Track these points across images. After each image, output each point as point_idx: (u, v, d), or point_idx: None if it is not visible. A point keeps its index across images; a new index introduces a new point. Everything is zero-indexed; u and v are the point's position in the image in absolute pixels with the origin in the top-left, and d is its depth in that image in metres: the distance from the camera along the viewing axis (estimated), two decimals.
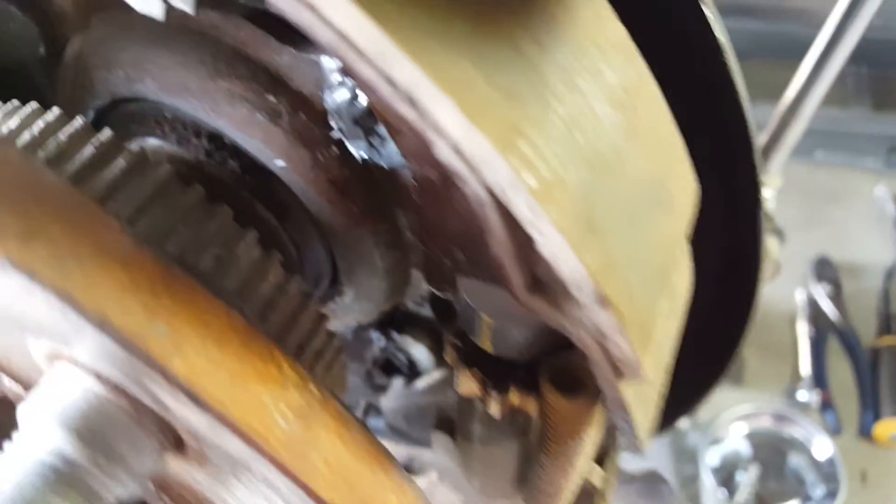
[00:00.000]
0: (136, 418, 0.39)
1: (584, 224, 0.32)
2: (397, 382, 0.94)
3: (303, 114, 0.61)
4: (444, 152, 0.30)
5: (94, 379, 0.39)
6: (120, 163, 0.53)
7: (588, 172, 0.33)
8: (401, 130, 0.40)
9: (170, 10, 0.39)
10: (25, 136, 0.53)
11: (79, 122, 0.55)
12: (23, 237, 0.34)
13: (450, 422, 0.72)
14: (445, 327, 0.81)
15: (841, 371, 2.30)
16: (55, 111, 0.57)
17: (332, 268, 0.74)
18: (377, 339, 0.85)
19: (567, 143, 0.33)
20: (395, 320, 0.83)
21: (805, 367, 2.24)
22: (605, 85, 0.36)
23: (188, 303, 0.33)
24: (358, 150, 0.60)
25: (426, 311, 0.80)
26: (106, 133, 0.55)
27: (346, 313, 0.79)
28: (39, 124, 0.55)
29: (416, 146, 0.40)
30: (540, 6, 0.33)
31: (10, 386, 0.56)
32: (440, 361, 0.83)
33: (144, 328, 0.32)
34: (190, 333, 0.33)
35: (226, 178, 0.66)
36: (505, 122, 0.30)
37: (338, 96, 0.56)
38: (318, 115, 0.61)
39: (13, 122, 0.56)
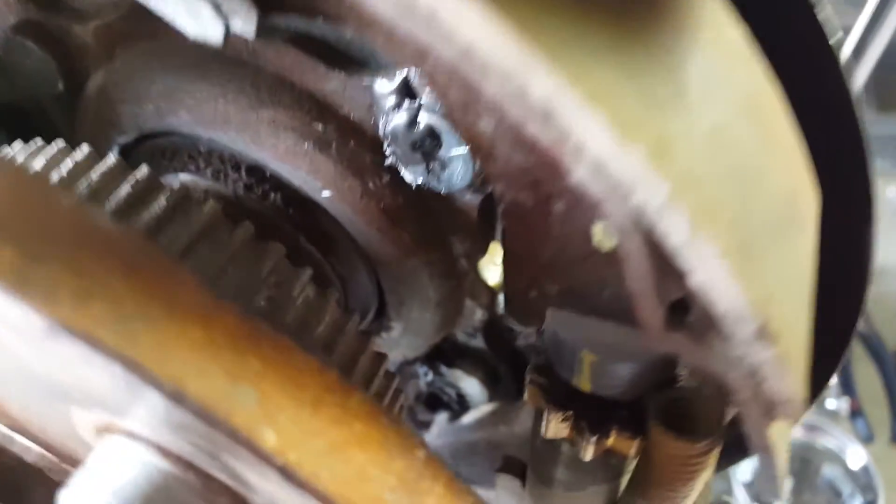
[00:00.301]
0: (206, 497, 0.35)
1: (741, 250, 0.28)
2: (441, 418, 0.89)
3: (353, 141, 0.56)
4: (581, 174, 0.25)
5: (155, 452, 0.35)
6: (161, 202, 0.49)
7: (736, 191, 0.29)
8: (491, 153, 0.36)
9: (228, 35, 0.34)
10: (54, 178, 0.49)
11: (112, 159, 0.51)
12: (79, 296, 0.29)
13: (516, 463, 0.67)
14: (500, 357, 0.76)
15: (868, 377, 2.25)
16: (85, 149, 0.52)
17: (378, 301, 0.69)
18: (424, 374, 0.80)
19: (714, 158, 0.28)
20: (443, 353, 0.78)
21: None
22: (735, 93, 0.32)
23: (278, 362, 0.29)
24: (414, 176, 0.55)
25: (478, 342, 0.75)
26: (143, 171, 0.51)
27: (393, 348, 0.74)
28: (68, 163, 0.50)
29: (510, 169, 0.36)
30: (666, 10, 0.29)
31: (35, 448, 0.51)
32: (493, 394, 0.79)
33: (228, 395, 0.27)
34: (282, 399, 0.28)
35: (267, 213, 0.61)
36: (656, 137, 0.26)
37: (394, 120, 0.52)
38: (369, 142, 0.57)
39: (39, 162, 0.51)
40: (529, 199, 0.37)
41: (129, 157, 0.67)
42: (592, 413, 0.46)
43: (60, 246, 0.31)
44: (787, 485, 2.10)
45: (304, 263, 0.55)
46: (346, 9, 0.31)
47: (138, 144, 0.66)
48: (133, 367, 0.26)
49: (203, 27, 0.34)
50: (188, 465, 0.33)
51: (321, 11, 0.34)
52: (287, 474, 0.28)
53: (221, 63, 0.57)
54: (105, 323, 0.28)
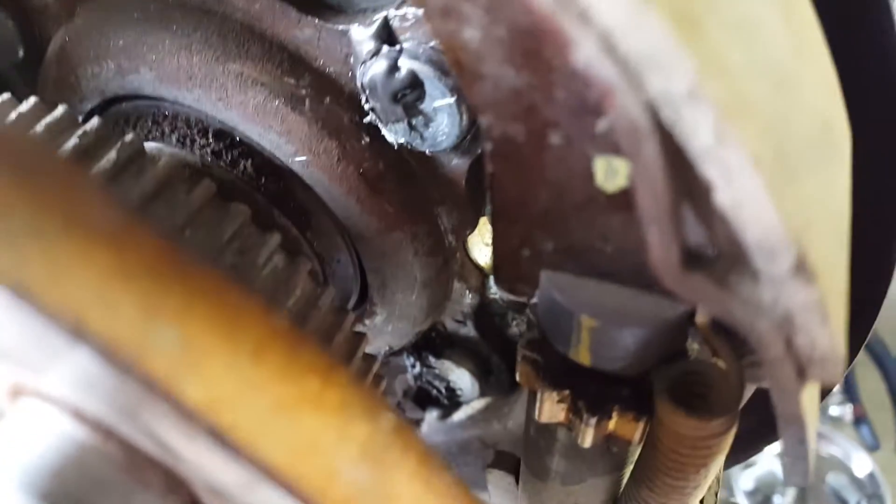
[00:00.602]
0: (131, 472, 0.29)
1: (778, 163, 0.23)
2: (431, 416, 0.83)
3: (329, 97, 0.51)
4: (587, 52, 0.20)
5: (71, 418, 0.29)
6: (111, 156, 0.44)
7: (772, 91, 0.24)
8: (478, 73, 0.31)
9: None
10: None
11: (60, 110, 0.45)
12: None
13: (508, 458, 0.61)
14: (493, 346, 0.71)
15: (872, 383, 2.19)
16: (31, 101, 0.47)
17: (361, 283, 0.64)
18: (411, 366, 0.74)
19: (748, 47, 0.23)
20: (431, 343, 0.72)
21: None
22: None
23: (210, 298, 0.23)
24: (395, 136, 0.50)
25: (468, 330, 0.69)
26: (93, 123, 0.45)
27: (377, 336, 0.69)
28: (11, 116, 0.45)
29: (499, 92, 0.30)
30: None
31: None
32: (485, 388, 0.73)
33: (142, 334, 0.22)
34: (212, 342, 0.23)
35: (237, 182, 0.56)
36: (681, 8, 0.20)
37: (373, 69, 0.47)
38: (347, 99, 0.52)
39: None
40: (521, 131, 0.32)
41: None
42: (592, 391, 0.41)
43: None
44: (791, 494, 2.04)
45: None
46: None
47: (102, 112, 0.61)
48: (21, 291, 0.20)
49: None
50: (108, 434, 0.28)
51: None
52: (218, 437, 0.23)
53: (185, 12, 0.52)
54: None
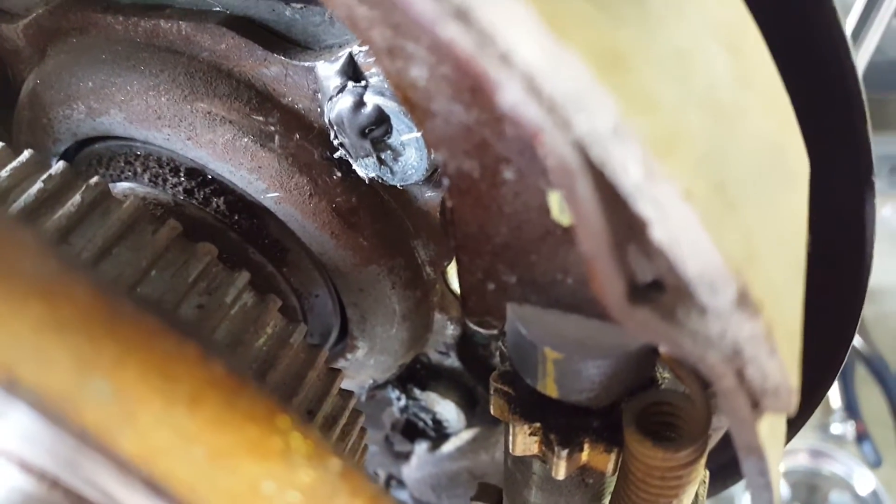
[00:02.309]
0: None
1: (715, 195, 0.23)
2: (420, 448, 0.82)
3: (298, 134, 0.51)
4: (512, 95, 0.20)
5: (17, 469, 0.29)
6: (76, 199, 0.44)
7: (709, 122, 0.24)
8: (428, 111, 0.30)
9: None
10: None
11: (26, 155, 0.46)
12: None
13: (492, 490, 0.60)
14: (477, 376, 0.70)
15: (873, 400, 2.17)
16: None
17: (340, 318, 0.64)
18: (396, 399, 0.73)
19: (681, 81, 0.23)
20: (415, 375, 0.72)
21: (835, 398, 2.12)
22: (710, 18, 0.26)
23: (143, 348, 0.23)
24: (365, 170, 0.50)
25: (452, 361, 0.69)
26: (59, 167, 0.45)
27: (360, 371, 0.68)
28: None
29: (450, 129, 0.30)
30: None
31: None
32: (471, 419, 0.72)
33: (74, 386, 0.21)
34: (146, 393, 0.22)
35: (210, 220, 0.56)
36: (604, 43, 0.20)
37: (339, 105, 0.47)
38: (317, 134, 0.52)
39: None
40: (476, 166, 0.32)
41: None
42: (562, 423, 0.40)
43: None
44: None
45: (251, 276, 0.49)
46: None
47: (76, 153, 0.61)
48: None
49: None
50: (53, 483, 0.27)
51: None
52: (154, 488, 0.22)
53: (152, 53, 0.52)
54: None
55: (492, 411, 0.44)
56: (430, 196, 0.54)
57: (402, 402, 0.73)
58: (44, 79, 0.57)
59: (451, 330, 0.66)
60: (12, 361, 0.20)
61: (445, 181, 0.34)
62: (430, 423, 0.74)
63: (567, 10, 0.20)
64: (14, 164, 0.45)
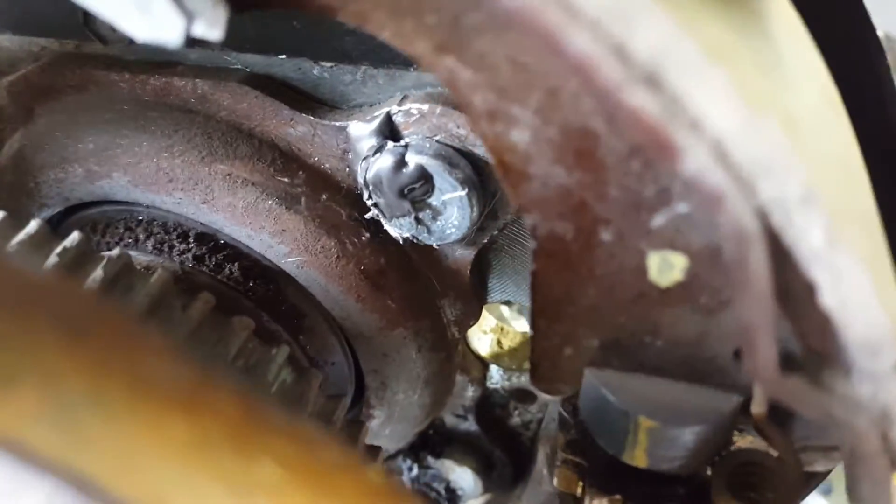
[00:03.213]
0: None
1: (877, 259, 0.22)
2: None
3: (325, 194, 0.49)
4: (697, 161, 0.19)
5: None
6: (97, 274, 0.40)
7: (845, 185, 0.23)
8: (524, 173, 0.29)
9: (187, 36, 0.27)
10: None
11: (34, 225, 0.41)
12: None
13: None
14: (494, 439, 0.67)
15: None
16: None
17: (356, 385, 0.60)
18: (407, 470, 0.70)
19: (823, 144, 0.22)
20: (428, 442, 0.68)
21: None
22: (813, 72, 0.26)
23: (303, 463, 0.19)
24: (400, 230, 0.48)
25: (469, 425, 0.66)
26: (74, 238, 0.41)
27: (373, 441, 0.64)
28: None
29: (548, 191, 0.29)
30: None
31: None
32: (488, 485, 0.69)
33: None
34: None
35: (222, 288, 0.52)
36: (784, 111, 0.19)
37: (377, 165, 0.45)
38: (344, 195, 0.49)
39: None
40: (570, 229, 0.30)
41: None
42: (645, 493, 0.38)
43: None
44: None
45: (271, 343, 0.46)
46: None
47: (62, 219, 0.57)
48: (83, 486, 0.16)
49: (156, 26, 0.26)
50: None
51: (305, 4, 0.27)
52: None
53: (164, 112, 0.49)
54: (37, 417, 0.18)
55: (556, 484, 0.42)
56: (461, 254, 0.52)
57: (414, 471, 0.69)
58: (33, 140, 0.53)
59: (471, 392, 0.63)
60: (163, 495, 0.17)
61: (533, 244, 0.32)
62: (443, 492, 0.70)
63: (752, 77, 0.19)
64: (21, 236, 0.41)
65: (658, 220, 0.28)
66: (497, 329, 0.64)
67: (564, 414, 0.42)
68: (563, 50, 0.21)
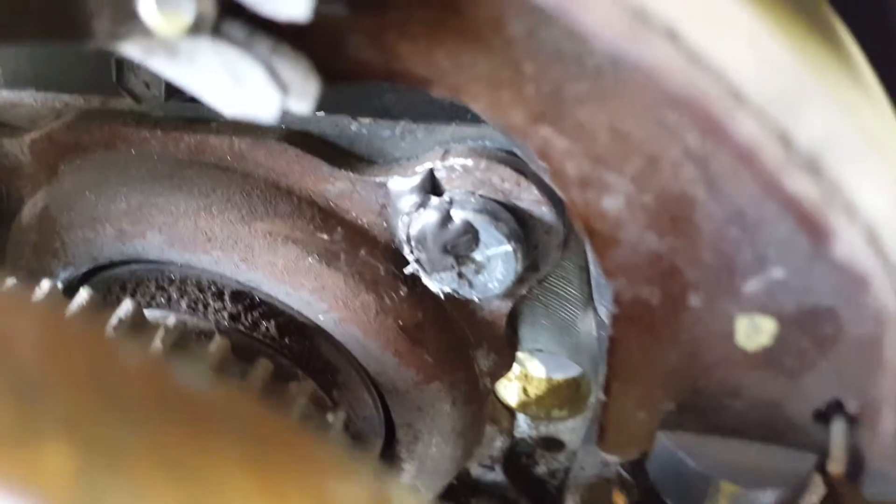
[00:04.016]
0: None
1: None
2: None
3: (364, 250, 0.48)
4: (849, 244, 0.19)
5: None
6: (156, 346, 0.38)
7: None
8: (614, 239, 0.29)
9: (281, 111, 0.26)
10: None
11: (128, 305, 0.40)
12: None
13: None
14: (521, 489, 0.66)
15: None
16: (84, 296, 0.42)
17: (386, 439, 0.59)
18: None
19: None
20: (453, 493, 0.67)
21: None
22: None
23: None
24: (440, 284, 0.47)
25: (495, 475, 0.65)
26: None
27: None
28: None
29: (637, 257, 0.29)
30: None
31: None
32: None
33: None
34: None
35: (257, 346, 0.51)
36: None
37: (420, 220, 0.45)
38: (382, 249, 0.49)
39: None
40: (657, 294, 0.30)
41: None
42: None
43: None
44: None
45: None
46: (446, 65, 0.24)
47: (85, 278, 0.55)
48: None
49: (252, 101, 0.26)
50: None
51: (401, 78, 0.27)
52: None
53: (200, 171, 0.48)
54: None
55: None
56: (497, 306, 0.52)
57: None
58: (59, 199, 0.51)
59: (500, 442, 0.62)
60: None
61: (615, 309, 0.32)
62: None
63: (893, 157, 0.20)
64: (119, 316, 0.40)
65: (751, 286, 0.29)
66: (521, 376, 0.64)
67: (625, 475, 0.42)
68: (728, 136, 0.21)
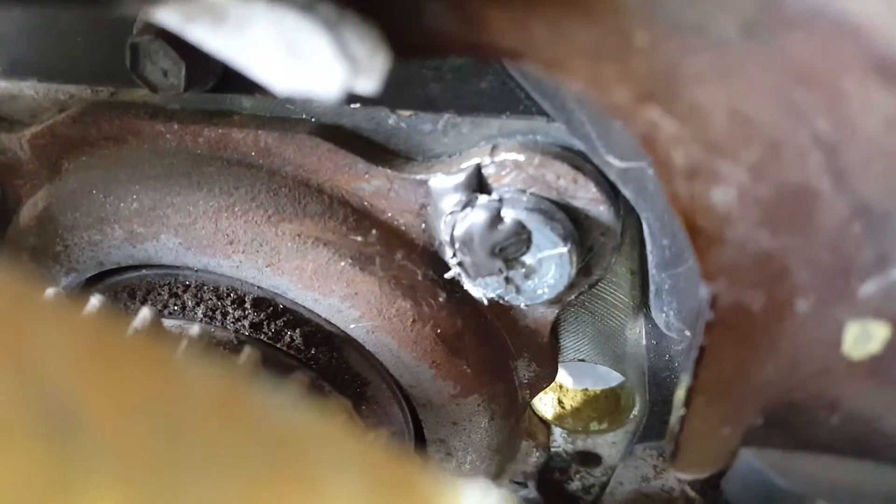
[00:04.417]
0: None
1: None
2: None
3: (400, 253, 0.44)
4: None
5: None
6: (241, 364, 0.35)
7: None
8: (718, 237, 0.25)
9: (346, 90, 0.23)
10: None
11: (196, 329, 0.37)
12: None
13: None
14: None
15: None
16: (146, 315, 0.38)
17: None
18: None
19: None
20: None
21: None
22: None
23: None
24: (485, 290, 0.44)
25: (528, 492, 0.61)
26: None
27: None
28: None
29: (743, 257, 0.25)
30: None
31: None
32: None
33: None
34: None
35: (281, 357, 0.47)
36: None
37: (467, 220, 0.41)
38: (420, 253, 0.45)
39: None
40: (760, 298, 0.27)
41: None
42: None
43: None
44: None
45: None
46: (537, 38, 0.21)
47: (89, 284, 0.51)
48: None
49: (310, 75, 0.22)
50: None
51: (485, 51, 0.24)
52: None
53: (221, 167, 0.44)
54: None
55: None
56: (542, 313, 0.48)
57: None
58: (62, 198, 0.47)
59: (535, 458, 0.59)
60: None
61: (709, 316, 0.29)
62: None
63: None
64: (190, 338, 0.36)
65: (868, 288, 0.25)
66: (556, 387, 0.60)
67: (691, 493, 0.38)
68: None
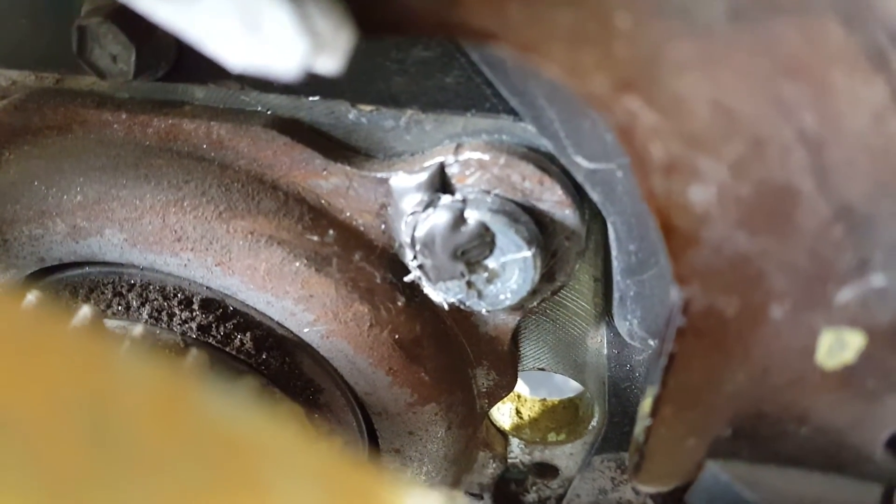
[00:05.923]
0: None
1: None
2: None
3: (358, 254, 0.43)
4: None
5: None
6: (187, 363, 0.32)
7: None
8: (694, 239, 0.24)
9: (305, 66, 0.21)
10: None
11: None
12: None
13: None
14: None
15: None
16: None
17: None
18: None
19: None
20: None
21: None
22: None
23: None
24: (445, 294, 0.42)
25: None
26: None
27: None
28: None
29: (718, 260, 0.24)
30: None
31: None
32: None
33: None
34: None
35: (230, 360, 0.45)
36: None
37: (428, 221, 0.40)
38: (378, 254, 0.43)
39: None
40: (734, 304, 0.26)
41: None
42: None
43: None
44: None
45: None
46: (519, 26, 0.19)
47: (30, 282, 0.48)
48: None
49: (267, 50, 0.20)
50: None
51: (456, 30, 0.22)
52: None
53: (171, 160, 0.42)
54: None
55: None
56: (503, 320, 0.47)
57: None
58: (2, 190, 0.44)
59: (492, 469, 0.57)
60: None
61: (680, 321, 0.28)
62: None
63: None
64: (128, 343, 0.33)
65: (845, 295, 0.25)
66: (514, 397, 0.59)
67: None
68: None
